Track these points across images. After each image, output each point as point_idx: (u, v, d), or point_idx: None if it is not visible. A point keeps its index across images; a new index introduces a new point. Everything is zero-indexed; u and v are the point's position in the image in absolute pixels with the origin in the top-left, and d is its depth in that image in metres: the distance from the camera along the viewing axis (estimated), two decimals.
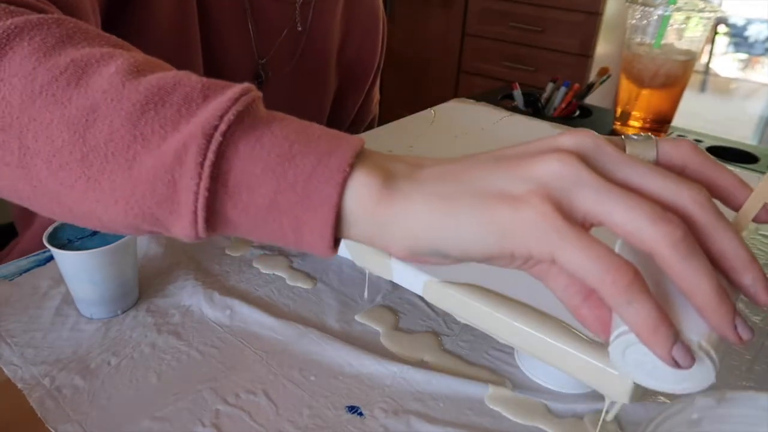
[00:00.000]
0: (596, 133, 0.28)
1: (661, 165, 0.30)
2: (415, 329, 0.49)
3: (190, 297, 0.51)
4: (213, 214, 0.29)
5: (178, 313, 0.49)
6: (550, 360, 0.39)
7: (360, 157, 0.29)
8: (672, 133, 1.00)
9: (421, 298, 0.45)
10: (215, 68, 0.63)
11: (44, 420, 0.39)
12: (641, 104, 0.95)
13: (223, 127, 0.28)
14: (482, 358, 0.46)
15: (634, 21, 0.90)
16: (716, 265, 0.27)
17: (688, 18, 0.87)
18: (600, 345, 0.38)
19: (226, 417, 0.40)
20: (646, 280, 0.26)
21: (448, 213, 0.27)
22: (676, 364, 0.26)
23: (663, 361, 0.26)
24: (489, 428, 0.40)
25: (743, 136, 2.93)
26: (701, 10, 0.87)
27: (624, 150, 0.30)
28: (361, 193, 0.28)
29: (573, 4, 2.10)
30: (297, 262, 0.57)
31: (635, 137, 0.31)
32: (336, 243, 0.30)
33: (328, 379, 0.44)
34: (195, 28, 0.59)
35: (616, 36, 2.19)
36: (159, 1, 0.55)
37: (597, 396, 0.41)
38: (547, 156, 0.27)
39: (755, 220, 0.31)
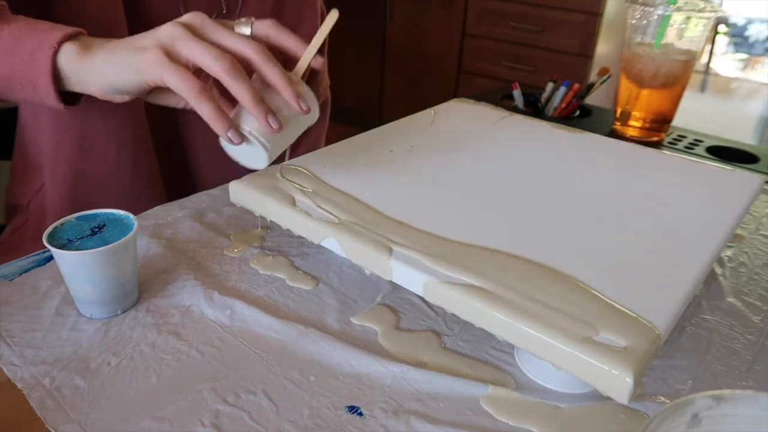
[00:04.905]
0: (204, 14, 0.49)
1: (254, 37, 0.51)
2: (415, 329, 0.49)
3: (190, 297, 0.51)
4: None
5: (178, 313, 0.49)
6: (550, 359, 0.39)
7: (70, 37, 0.49)
8: (672, 132, 1.00)
9: (421, 298, 0.45)
10: None
11: (44, 420, 0.39)
12: (641, 104, 0.95)
13: None
14: (482, 358, 0.46)
15: (634, 21, 0.90)
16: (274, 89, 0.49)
17: (688, 18, 0.87)
18: (600, 344, 0.38)
19: (226, 417, 0.40)
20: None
21: (113, 62, 0.48)
22: (230, 140, 0.47)
23: (223, 138, 0.48)
24: (489, 428, 0.40)
25: (743, 136, 2.93)
26: (701, 10, 0.87)
27: (232, 27, 0.51)
28: (67, 55, 0.49)
29: (573, 4, 2.10)
30: (297, 262, 0.57)
31: (243, 20, 0.52)
32: (65, 97, 0.51)
33: (328, 379, 0.44)
34: (121, 12, 0.62)
35: (616, 36, 2.19)
36: None
37: (597, 396, 0.41)
38: (165, 24, 0.48)
39: (312, 66, 0.53)
